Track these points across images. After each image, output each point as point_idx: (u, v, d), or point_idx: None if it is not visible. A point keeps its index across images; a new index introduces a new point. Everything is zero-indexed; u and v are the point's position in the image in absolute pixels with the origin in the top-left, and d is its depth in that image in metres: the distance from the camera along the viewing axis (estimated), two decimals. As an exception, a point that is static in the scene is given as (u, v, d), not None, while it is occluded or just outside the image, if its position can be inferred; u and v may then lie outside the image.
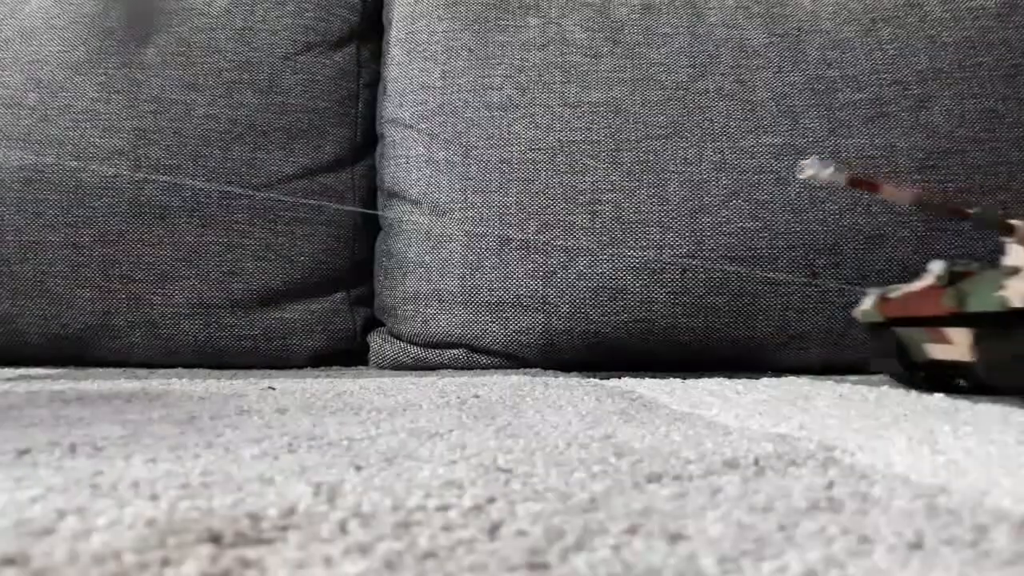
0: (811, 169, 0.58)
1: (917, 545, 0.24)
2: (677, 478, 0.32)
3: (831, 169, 0.58)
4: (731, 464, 0.35)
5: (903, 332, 0.66)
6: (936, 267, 0.62)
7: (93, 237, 0.95)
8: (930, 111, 0.91)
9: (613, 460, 0.35)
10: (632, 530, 0.25)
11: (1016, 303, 0.54)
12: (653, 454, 0.37)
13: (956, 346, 0.60)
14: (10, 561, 0.21)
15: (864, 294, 0.70)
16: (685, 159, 0.91)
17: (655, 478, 0.32)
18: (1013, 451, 0.38)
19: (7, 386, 0.66)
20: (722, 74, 0.94)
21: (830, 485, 0.31)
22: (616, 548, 0.24)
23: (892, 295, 0.66)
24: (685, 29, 0.96)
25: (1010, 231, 0.60)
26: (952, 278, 0.61)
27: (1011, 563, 0.23)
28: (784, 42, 0.95)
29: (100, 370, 0.90)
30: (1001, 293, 0.55)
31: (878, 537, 0.25)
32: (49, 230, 0.95)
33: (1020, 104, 0.91)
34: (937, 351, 0.63)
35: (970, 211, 0.60)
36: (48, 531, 0.24)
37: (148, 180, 0.96)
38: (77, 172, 0.96)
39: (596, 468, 0.34)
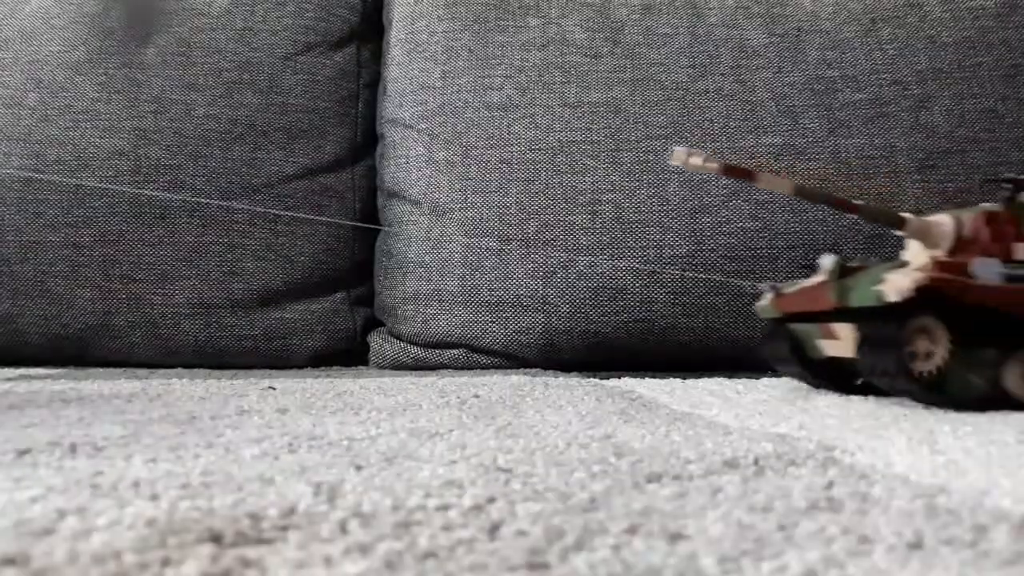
0: (681, 157, 0.55)
1: (917, 545, 0.24)
2: (677, 478, 0.32)
3: (700, 158, 0.55)
4: (731, 464, 0.35)
5: (798, 328, 0.64)
6: (827, 262, 0.60)
7: (93, 237, 0.95)
8: (930, 111, 0.91)
9: (613, 460, 0.35)
10: (632, 530, 0.25)
11: (891, 297, 0.53)
12: (653, 454, 0.37)
13: (843, 342, 0.59)
14: (10, 561, 0.21)
15: (765, 290, 0.67)
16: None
17: (655, 478, 0.32)
18: (1013, 451, 0.38)
19: (7, 386, 0.66)
20: (722, 74, 0.94)
21: (830, 485, 0.31)
22: (616, 548, 0.24)
23: (787, 291, 0.64)
24: (685, 29, 0.96)
25: (900, 224, 0.59)
26: (843, 272, 0.59)
27: (1010, 563, 0.23)
28: (784, 42, 0.95)
29: (100, 370, 0.90)
30: (879, 287, 0.54)
31: (878, 537, 0.25)
32: (49, 230, 0.95)
33: (1020, 104, 0.91)
34: (829, 348, 0.61)
35: (857, 203, 0.59)
36: (48, 531, 0.24)
37: (149, 181, 0.96)
38: (78, 172, 0.96)
39: (596, 468, 0.34)
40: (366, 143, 1.05)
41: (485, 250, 0.92)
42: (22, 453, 0.36)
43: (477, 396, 0.61)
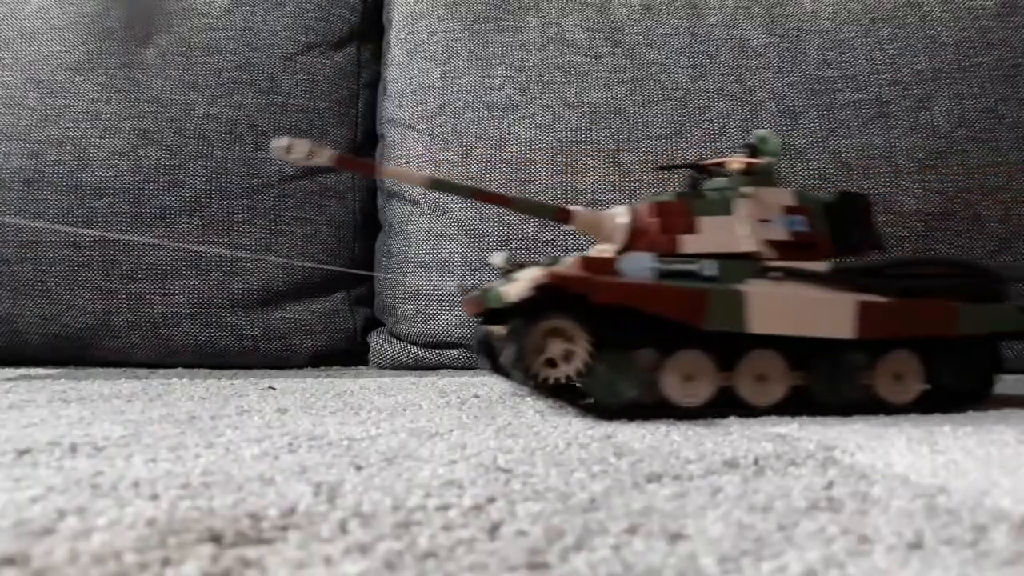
0: (282, 148, 0.49)
1: (917, 545, 0.24)
2: (677, 478, 0.32)
3: (306, 149, 0.49)
4: (731, 464, 0.35)
5: (489, 329, 0.62)
6: (496, 259, 0.57)
7: (93, 237, 0.95)
8: (930, 111, 0.91)
9: (613, 460, 0.35)
10: (632, 530, 0.25)
11: (511, 298, 0.50)
12: (653, 454, 0.37)
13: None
14: (10, 561, 0.21)
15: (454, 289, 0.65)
16: (685, 159, 0.91)
17: (655, 478, 0.32)
18: (1012, 451, 0.38)
19: (8, 386, 0.66)
20: (722, 74, 0.94)
21: (830, 485, 0.31)
22: (616, 548, 0.24)
23: (472, 294, 0.61)
24: (685, 29, 0.96)
25: (564, 218, 0.55)
26: (510, 271, 0.57)
27: (1010, 563, 0.23)
28: (784, 42, 0.95)
29: (100, 370, 0.90)
30: (505, 288, 0.51)
31: (878, 537, 0.25)
32: (49, 230, 0.95)
33: (1020, 104, 0.91)
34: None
35: (508, 196, 0.56)
36: (48, 531, 0.24)
37: (149, 181, 0.96)
38: (78, 172, 0.96)
39: (596, 468, 0.34)
40: (366, 143, 1.05)
41: (485, 250, 0.92)
42: (22, 453, 0.36)
43: (477, 396, 0.61)
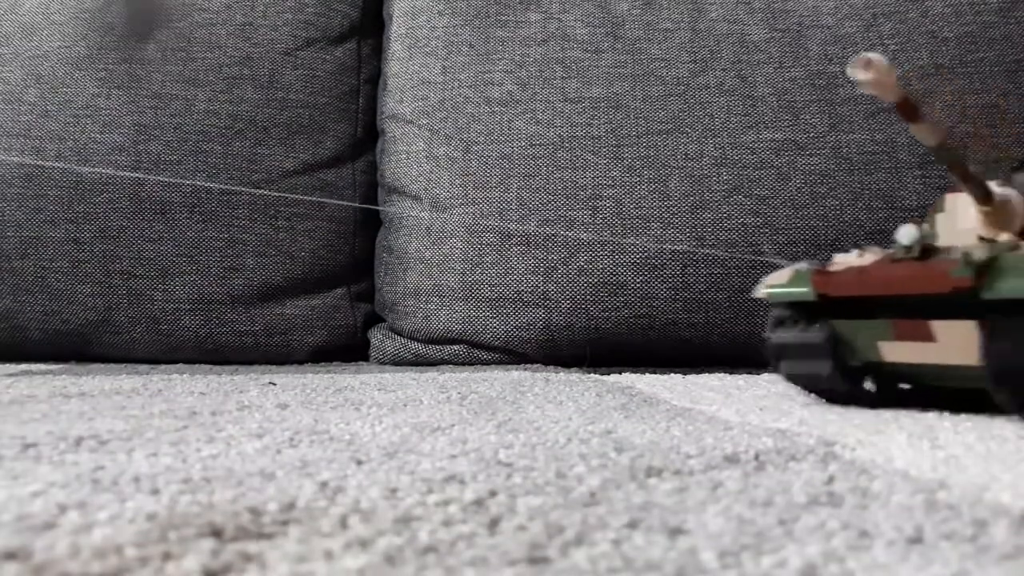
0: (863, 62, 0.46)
1: (917, 540, 0.24)
2: (677, 473, 0.33)
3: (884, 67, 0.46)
4: (731, 459, 0.35)
5: (842, 324, 0.51)
6: (906, 234, 0.49)
7: (94, 233, 0.95)
8: (931, 106, 0.91)
9: (613, 455, 0.35)
10: (632, 524, 0.25)
11: None
12: (653, 449, 0.37)
13: (942, 346, 0.47)
14: (11, 555, 0.21)
15: (790, 265, 0.55)
16: (686, 155, 0.91)
17: (655, 473, 0.32)
18: (1013, 446, 0.38)
19: (9, 381, 0.66)
20: (723, 69, 0.94)
21: (830, 480, 0.31)
22: (616, 542, 0.24)
23: (834, 267, 0.52)
24: (686, 24, 0.96)
25: (989, 199, 0.48)
26: (927, 252, 0.48)
27: (1010, 558, 0.23)
28: (785, 37, 0.95)
29: (101, 365, 0.90)
30: None
31: (878, 532, 0.25)
32: (50, 226, 0.95)
33: (1022, 99, 0.91)
34: (905, 352, 0.49)
35: (978, 180, 0.49)
36: (49, 525, 0.24)
37: (150, 177, 0.96)
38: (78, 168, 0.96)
39: (596, 463, 0.34)
40: (367, 138, 1.04)
41: (486, 245, 0.92)
42: (24, 448, 0.36)
43: (478, 392, 0.61)
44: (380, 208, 1.01)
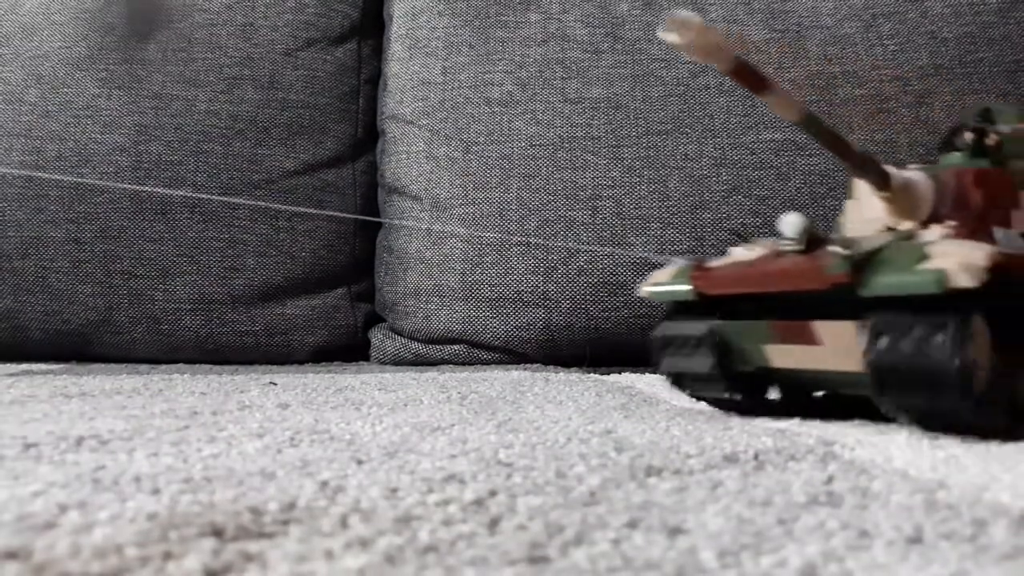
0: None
1: (916, 539, 0.24)
2: (677, 472, 0.33)
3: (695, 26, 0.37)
4: (731, 459, 0.35)
5: (724, 327, 0.46)
6: (791, 224, 0.43)
7: (95, 233, 0.95)
8: (931, 107, 0.91)
9: (613, 455, 0.36)
10: (632, 524, 0.25)
11: (959, 281, 0.36)
12: (653, 449, 0.37)
13: (826, 349, 0.42)
14: (12, 555, 0.21)
15: (671, 263, 0.50)
16: (686, 155, 0.91)
17: (655, 472, 0.32)
18: (1012, 447, 0.38)
19: (9, 381, 0.66)
20: (723, 70, 0.94)
21: (829, 480, 0.31)
22: (616, 542, 0.24)
23: (715, 264, 0.47)
24: (686, 25, 0.96)
25: (887, 183, 0.45)
26: (813, 243, 0.43)
27: (1009, 557, 0.23)
28: (785, 38, 0.95)
29: (102, 365, 0.90)
30: (931, 266, 0.37)
31: (877, 531, 0.25)
32: (51, 226, 0.95)
33: (1022, 100, 0.91)
34: (788, 356, 0.44)
35: (857, 154, 0.46)
36: (50, 525, 0.24)
37: (150, 177, 0.96)
38: (78, 168, 0.96)
39: (596, 462, 0.34)
40: (367, 139, 1.05)
41: (486, 246, 0.92)
42: (25, 448, 0.36)
43: (477, 392, 0.61)
44: (381, 220, 1.01)
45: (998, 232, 0.43)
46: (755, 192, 0.89)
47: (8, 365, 0.88)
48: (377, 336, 0.99)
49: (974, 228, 0.42)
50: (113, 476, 0.30)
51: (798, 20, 0.95)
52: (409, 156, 0.98)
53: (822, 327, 0.42)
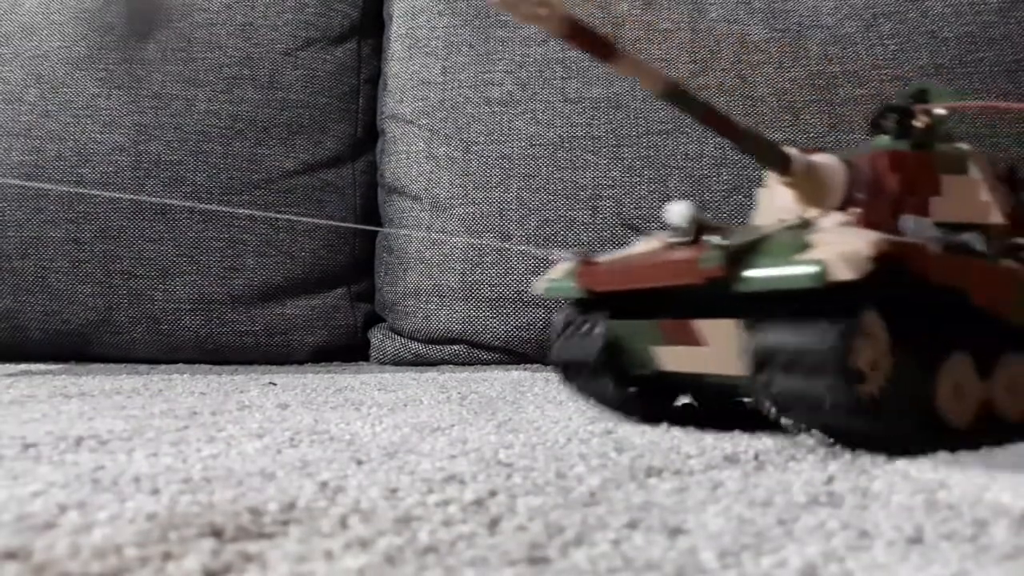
0: None
1: (917, 539, 0.24)
2: (677, 473, 0.33)
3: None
4: (731, 459, 0.35)
5: (615, 326, 0.43)
6: (678, 212, 0.40)
7: (94, 233, 0.95)
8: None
9: (613, 455, 0.35)
10: (632, 524, 0.25)
11: (840, 274, 0.32)
12: (653, 449, 0.37)
13: (710, 350, 0.39)
14: (12, 555, 0.21)
15: (563, 258, 0.47)
16: (686, 155, 0.91)
17: (655, 473, 0.32)
18: (1012, 447, 0.38)
19: (9, 381, 0.66)
20: (723, 69, 0.94)
21: (830, 480, 0.31)
22: (616, 542, 0.24)
23: (602, 259, 0.44)
24: (686, 24, 0.96)
25: (787, 168, 0.42)
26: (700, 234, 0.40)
27: (1010, 557, 0.23)
28: (785, 37, 0.95)
29: (102, 365, 0.90)
30: (813, 256, 0.34)
31: (877, 531, 0.25)
32: (50, 226, 0.95)
33: (1021, 100, 0.91)
34: (673, 358, 0.41)
35: (742, 130, 0.43)
36: (50, 525, 0.24)
37: (150, 176, 0.96)
38: (78, 168, 0.96)
39: (596, 463, 0.34)
40: (367, 139, 1.04)
41: (486, 245, 0.92)
42: (24, 448, 0.36)
43: (477, 392, 0.61)
44: (381, 229, 1.01)
45: (907, 220, 0.40)
46: (755, 192, 0.89)
47: (7, 365, 0.88)
48: (377, 336, 0.99)
49: (881, 215, 0.39)
50: (112, 476, 0.30)
51: (798, 20, 0.95)
52: (409, 156, 0.98)
53: (705, 326, 0.38)
